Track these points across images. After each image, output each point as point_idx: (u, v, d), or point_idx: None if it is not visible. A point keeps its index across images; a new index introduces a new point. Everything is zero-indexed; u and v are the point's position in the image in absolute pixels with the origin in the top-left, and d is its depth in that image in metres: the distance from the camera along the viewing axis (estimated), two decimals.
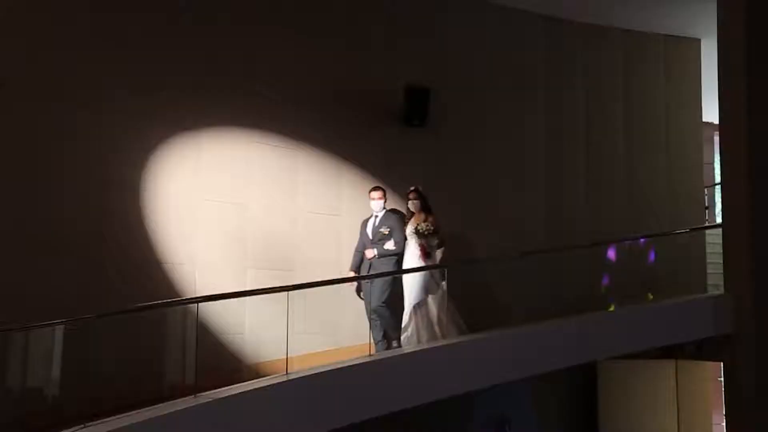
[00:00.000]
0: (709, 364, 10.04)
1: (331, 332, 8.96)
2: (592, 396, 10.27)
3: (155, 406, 6.44)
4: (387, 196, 8.97)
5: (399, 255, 8.78)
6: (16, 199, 7.61)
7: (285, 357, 7.40)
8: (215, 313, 8.32)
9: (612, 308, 9.79)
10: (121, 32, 8.39)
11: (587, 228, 10.85)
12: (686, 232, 10.71)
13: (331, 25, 9.75)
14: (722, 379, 9.29)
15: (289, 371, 7.27)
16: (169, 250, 8.46)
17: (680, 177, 11.51)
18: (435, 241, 8.84)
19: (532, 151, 10.89)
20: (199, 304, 7.40)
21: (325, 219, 9.40)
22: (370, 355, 7.65)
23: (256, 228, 8.94)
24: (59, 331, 6.89)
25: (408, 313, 8.63)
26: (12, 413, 7.02)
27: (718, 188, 10.51)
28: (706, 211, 12.29)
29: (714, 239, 10.10)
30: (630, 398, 9.95)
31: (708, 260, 10.84)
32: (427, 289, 8.64)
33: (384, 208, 8.93)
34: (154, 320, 7.69)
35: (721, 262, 9.27)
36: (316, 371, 7.35)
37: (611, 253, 10.50)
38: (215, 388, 6.81)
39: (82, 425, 5.97)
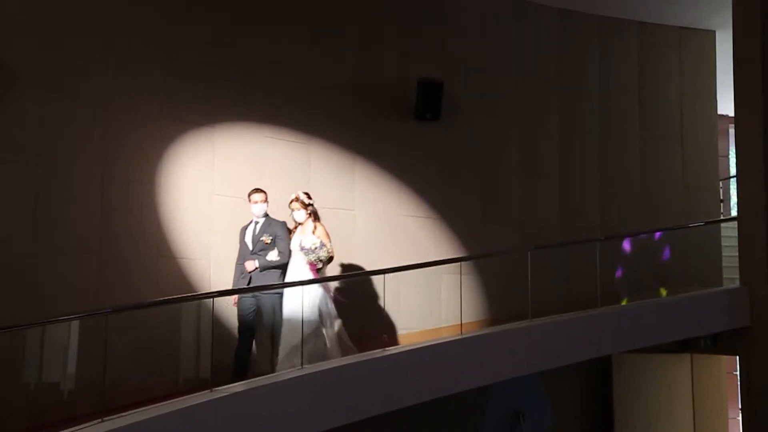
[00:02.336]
0: (725, 357, 10.03)
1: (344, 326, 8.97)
2: (607, 390, 10.26)
3: (171, 400, 6.46)
4: (269, 199, 8.04)
5: (284, 267, 7.86)
6: (31, 197, 7.63)
7: (300, 351, 7.43)
8: (230, 308, 8.33)
9: (624, 302, 9.76)
10: (133, 27, 8.40)
11: (601, 221, 10.83)
12: (701, 225, 10.66)
13: (344, 19, 9.74)
14: (738, 372, 9.26)
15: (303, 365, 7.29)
16: (183, 246, 8.48)
17: (695, 169, 11.44)
18: (325, 256, 7.84)
19: (545, 144, 10.85)
20: (214, 298, 7.41)
21: (338, 213, 9.39)
22: (384, 349, 7.64)
23: None
24: (75, 326, 6.93)
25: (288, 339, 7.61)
26: (29, 407, 7.09)
27: (733, 181, 10.47)
28: (721, 203, 12.23)
29: (729, 232, 10.05)
30: (645, 392, 9.93)
31: (723, 253, 10.78)
32: (321, 312, 7.75)
33: (266, 213, 7.98)
34: (169, 315, 7.72)
35: (737, 255, 9.23)
36: (331, 365, 7.36)
37: (626, 247, 10.46)
38: (231, 383, 6.83)
39: (100, 419, 6.00)
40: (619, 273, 10.40)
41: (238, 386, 6.73)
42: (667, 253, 10.79)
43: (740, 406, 9.24)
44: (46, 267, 7.62)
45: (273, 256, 7.81)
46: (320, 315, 7.73)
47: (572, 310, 8.67)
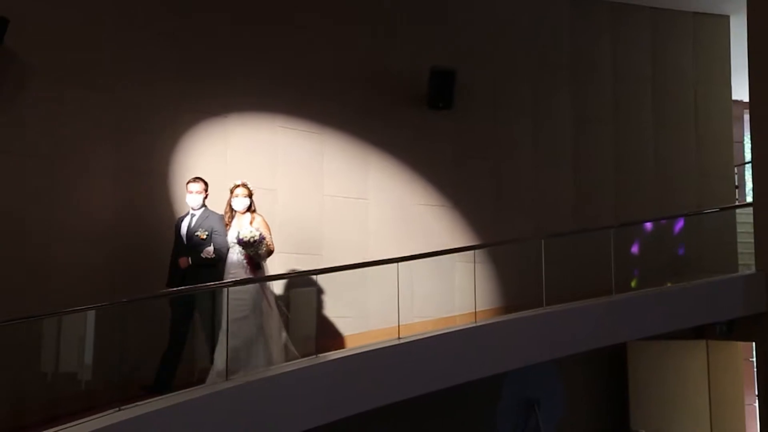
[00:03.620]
0: (741, 344, 9.96)
1: (358, 316, 8.98)
2: (621, 377, 10.24)
3: (187, 389, 6.50)
4: (209, 190, 7.62)
5: (220, 263, 7.39)
6: (43, 187, 7.66)
7: (314, 340, 7.46)
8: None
9: (634, 284, 9.71)
10: (147, 18, 8.42)
11: (615, 209, 10.78)
12: (716, 211, 10.61)
13: (356, 9, 9.72)
14: (754, 359, 9.21)
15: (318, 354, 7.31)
16: None
17: (710, 156, 11.37)
18: (263, 249, 7.34)
19: (558, 131, 10.81)
20: (229, 288, 7.42)
21: (351, 203, 9.41)
22: (398, 338, 7.65)
23: (284, 213, 8.96)
24: (90, 317, 6.97)
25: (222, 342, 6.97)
26: (47, 397, 7.14)
27: (748, 167, 10.41)
28: (737, 189, 12.16)
29: (745, 218, 10.00)
30: (660, 379, 9.90)
31: (739, 239, 10.73)
32: (255, 310, 7.26)
33: (203, 205, 7.52)
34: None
35: (752, 241, 9.18)
36: (346, 354, 7.38)
37: (640, 235, 10.43)
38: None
39: (117, 408, 6.04)
40: (634, 251, 10.34)
41: (255, 374, 6.76)
42: (681, 238, 10.73)
43: (756, 393, 9.20)
44: (60, 258, 7.65)
45: (209, 252, 7.37)
46: (259, 318, 7.29)
47: (587, 297, 8.66)
